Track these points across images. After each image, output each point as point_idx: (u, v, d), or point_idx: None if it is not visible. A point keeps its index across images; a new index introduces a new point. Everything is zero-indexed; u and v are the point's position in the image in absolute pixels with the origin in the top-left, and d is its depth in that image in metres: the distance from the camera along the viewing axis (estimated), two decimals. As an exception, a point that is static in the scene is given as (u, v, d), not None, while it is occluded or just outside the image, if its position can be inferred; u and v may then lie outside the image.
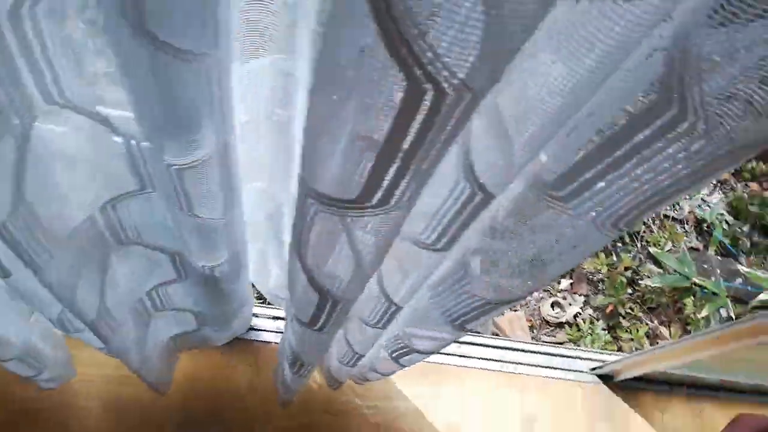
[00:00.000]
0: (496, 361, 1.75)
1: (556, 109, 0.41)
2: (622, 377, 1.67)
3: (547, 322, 2.54)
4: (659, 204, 0.41)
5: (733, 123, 0.32)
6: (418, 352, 0.88)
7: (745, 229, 2.89)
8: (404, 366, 1.00)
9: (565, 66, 0.38)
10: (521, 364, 1.76)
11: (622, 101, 0.36)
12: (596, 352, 1.83)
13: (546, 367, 1.76)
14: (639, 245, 2.70)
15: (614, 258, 2.63)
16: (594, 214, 0.43)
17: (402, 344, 0.88)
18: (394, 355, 0.94)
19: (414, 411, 1.58)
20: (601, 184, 0.40)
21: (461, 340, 1.76)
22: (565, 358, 1.79)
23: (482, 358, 1.75)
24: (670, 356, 1.43)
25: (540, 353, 1.79)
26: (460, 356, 1.75)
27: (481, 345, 1.78)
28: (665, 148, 0.35)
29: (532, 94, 0.39)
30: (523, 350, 1.80)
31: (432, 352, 0.87)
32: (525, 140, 0.42)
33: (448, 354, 1.74)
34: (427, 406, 1.59)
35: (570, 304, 2.56)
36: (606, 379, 1.72)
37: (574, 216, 0.44)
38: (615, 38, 0.34)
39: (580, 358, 1.79)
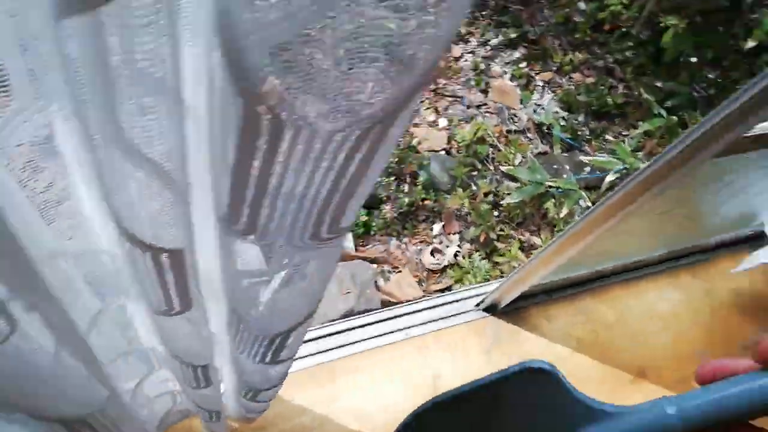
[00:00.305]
0: (386, 334, 1.74)
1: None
2: (504, 303, 1.70)
3: (432, 271, 2.56)
4: (349, 200, 0.37)
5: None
6: (266, 389, 0.83)
7: (580, 119, 3.03)
8: (266, 401, 0.94)
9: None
10: (411, 327, 1.75)
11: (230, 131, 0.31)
12: (476, 287, 1.85)
13: (435, 321, 1.76)
14: (492, 167, 2.76)
15: (473, 188, 2.68)
16: (284, 237, 0.38)
17: (246, 388, 0.82)
18: (248, 397, 0.88)
19: (319, 419, 1.53)
20: (266, 209, 0.35)
21: (343, 328, 1.73)
22: (450, 305, 1.80)
23: (372, 337, 1.72)
24: (539, 268, 1.45)
25: (425, 309, 1.79)
26: (350, 344, 1.72)
27: (365, 325, 1.76)
28: (290, 157, 0.30)
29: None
30: (408, 313, 1.79)
31: (277, 384, 0.82)
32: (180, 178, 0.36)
33: (335, 348, 1.70)
34: (330, 408, 1.54)
35: (447, 246, 2.59)
36: (492, 309, 1.75)
37: (268, 243, 0.39)
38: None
39: (464, 299, 1.80)
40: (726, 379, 0.33)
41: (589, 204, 2.41)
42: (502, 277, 2.30)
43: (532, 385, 0.38)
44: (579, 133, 2.95)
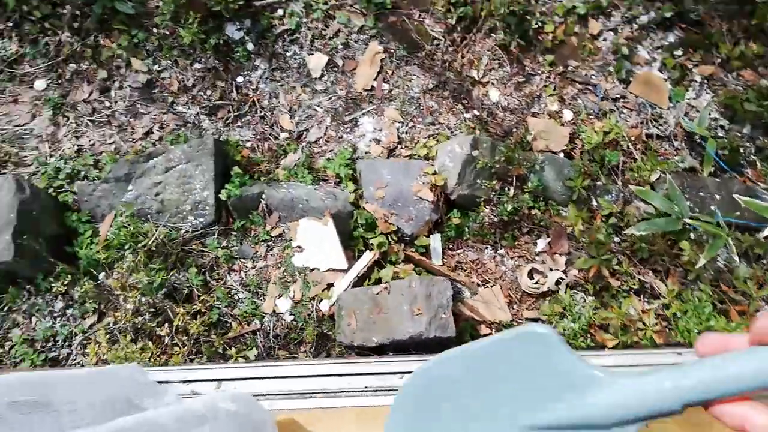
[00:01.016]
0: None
1: None
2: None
3: (528, 294, 2.19)
4: None
5: None
6: None
7: (745, 131, 2.45)
8: None
9: None
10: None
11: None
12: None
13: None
14: (620, 182, 2.29)
15: (593, 203, 2.23)
16: None
17: None
18: None
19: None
20: None
21: (394, 369, 1.46)
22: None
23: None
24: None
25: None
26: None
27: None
28: None
29: None
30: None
31: None
32: None
33: (384, 390, 1.44)
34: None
35: (550, 269, 2.19)
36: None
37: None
38: None
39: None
40: (723, 354, 0.36)
41: (736, 257, 1.91)
42: (605, 331, 1.89)
43: (535, 347, 0.41)
44: (741, 150, 2.38)
